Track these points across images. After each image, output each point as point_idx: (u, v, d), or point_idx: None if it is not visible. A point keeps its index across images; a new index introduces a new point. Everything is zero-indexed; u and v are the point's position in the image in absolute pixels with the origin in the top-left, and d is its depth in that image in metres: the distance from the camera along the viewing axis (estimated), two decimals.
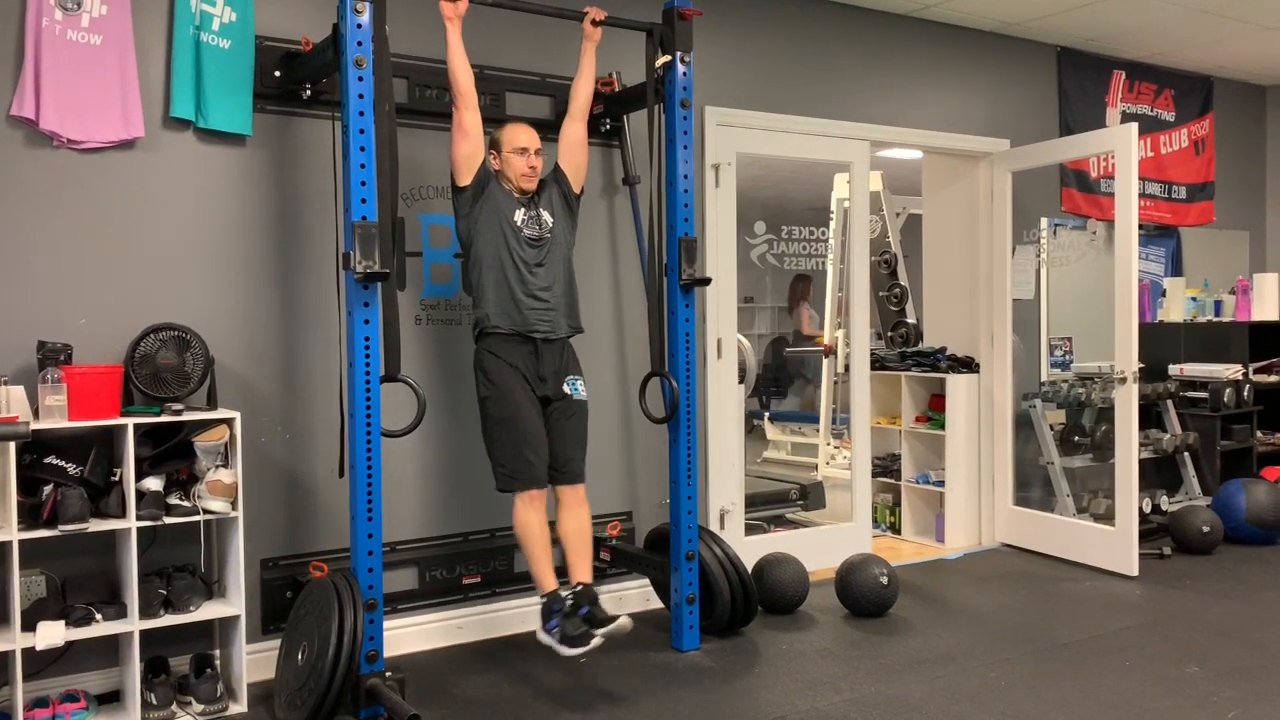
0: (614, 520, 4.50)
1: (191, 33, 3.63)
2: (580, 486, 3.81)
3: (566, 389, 3.77)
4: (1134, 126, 5.07)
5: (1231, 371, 6.07)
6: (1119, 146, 5.13)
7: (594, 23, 3.88)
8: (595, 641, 3.46)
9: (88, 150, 3.50)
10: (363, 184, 3.29)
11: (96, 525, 3.23)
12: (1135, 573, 5.00)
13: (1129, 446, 5.05)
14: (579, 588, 3.60)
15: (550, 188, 3.86)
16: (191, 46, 3.63)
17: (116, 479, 3.32)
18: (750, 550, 4.63)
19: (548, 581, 3.62)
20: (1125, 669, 3.76)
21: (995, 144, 5.77)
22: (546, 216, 3.78)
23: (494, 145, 3.76)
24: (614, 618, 3.51)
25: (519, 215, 3.72)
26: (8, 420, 3.08)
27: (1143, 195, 6.25)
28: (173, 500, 3.36)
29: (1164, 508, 5.76)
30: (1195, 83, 6.77)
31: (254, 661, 3.61)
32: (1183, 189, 6.73)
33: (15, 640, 3.11)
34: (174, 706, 3.40)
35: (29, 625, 3.18)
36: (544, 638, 3.56)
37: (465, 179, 3.67)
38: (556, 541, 3.75)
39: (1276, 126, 7.23)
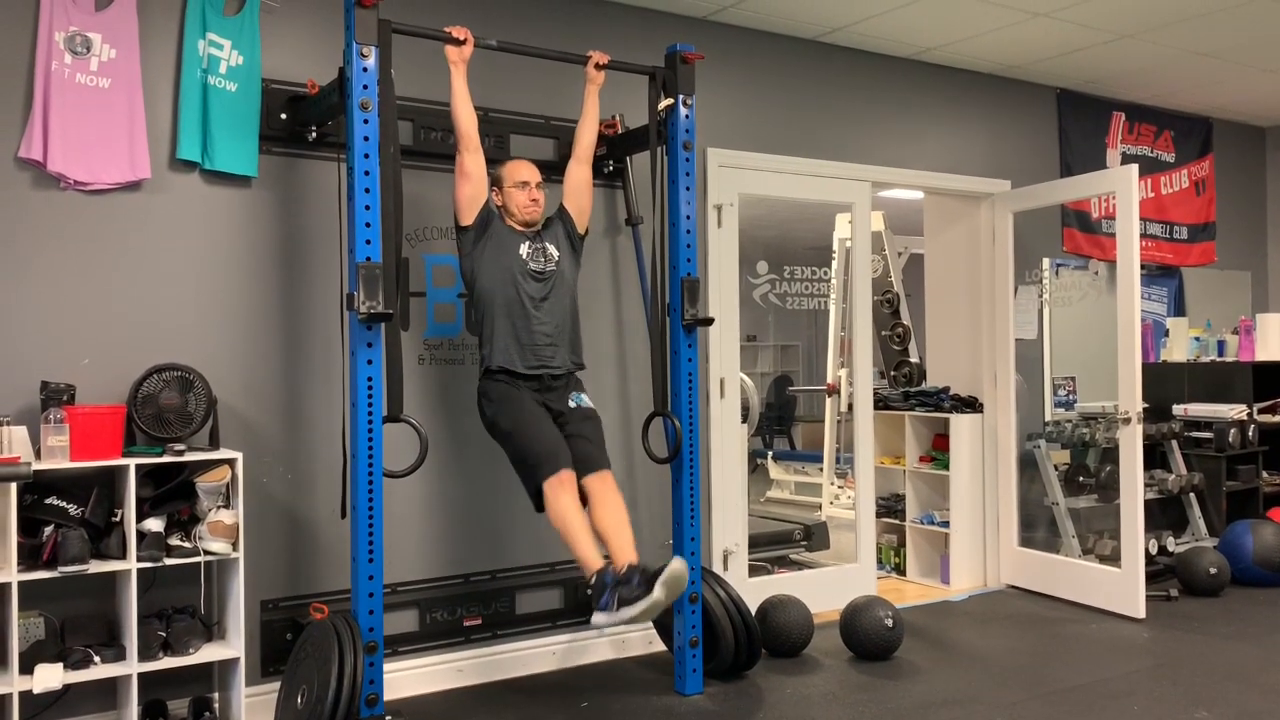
0: None
1: (199, 76, 3.67)
2: (607, 472, 3.68)
3: (571, 403, 3.77)
4: (1134, 168, 5.10)
5: (1236, 412, 6.05)
6: (1120, 187, 5.15)
7: (597, 66, 3.91)
8: (656, 593, 3.24)
9: (94, 192, 3.53)
10: (367, 225, 3.30)
11: (97, 566, 3.21)
12: (1142, 615, 4.96)
13: (1134, 487, 5.03)
14: (626, 567, 3.39)
15: (555, 225, 3.88)
16: (199, 89, 3.67)
17: (117, 520, 3.31)
18: (754, 592, 4.60)
19: (592, 560, 3.43)
20: (1134, 713, 3.72)
21: (996, 185, 5.80)
22: (552, 250, 3.80)
23: (496, 182, 3.79)
24: (663, 567, 3.30)
25: (524, 249, 3.74)
26: (9, 461, 3.08)
27: (1144, 235, 6.27)
28: (173, 541, 3.34)
29: (1170, 549, 5.72)
30: (1195, 124, 6.82)
31: (253, 705, 3.58)
32: (1184, 229, 6.75)
33: (13, 683, 3.09)
34: None
35: (27, 668, 3.16)
36: (600, 618, 3.34)
37: (468, 219, 3.69)
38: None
39: (1276, 167, 7.26)
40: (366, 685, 3.25)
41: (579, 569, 4.40)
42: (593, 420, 3.80)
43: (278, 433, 3.84)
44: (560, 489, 3.50)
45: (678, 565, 3.32)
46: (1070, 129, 6.16)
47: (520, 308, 3.68)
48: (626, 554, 3.48)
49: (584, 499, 3.62)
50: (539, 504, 3.59)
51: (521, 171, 3.78)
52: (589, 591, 3.43)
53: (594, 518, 3.60)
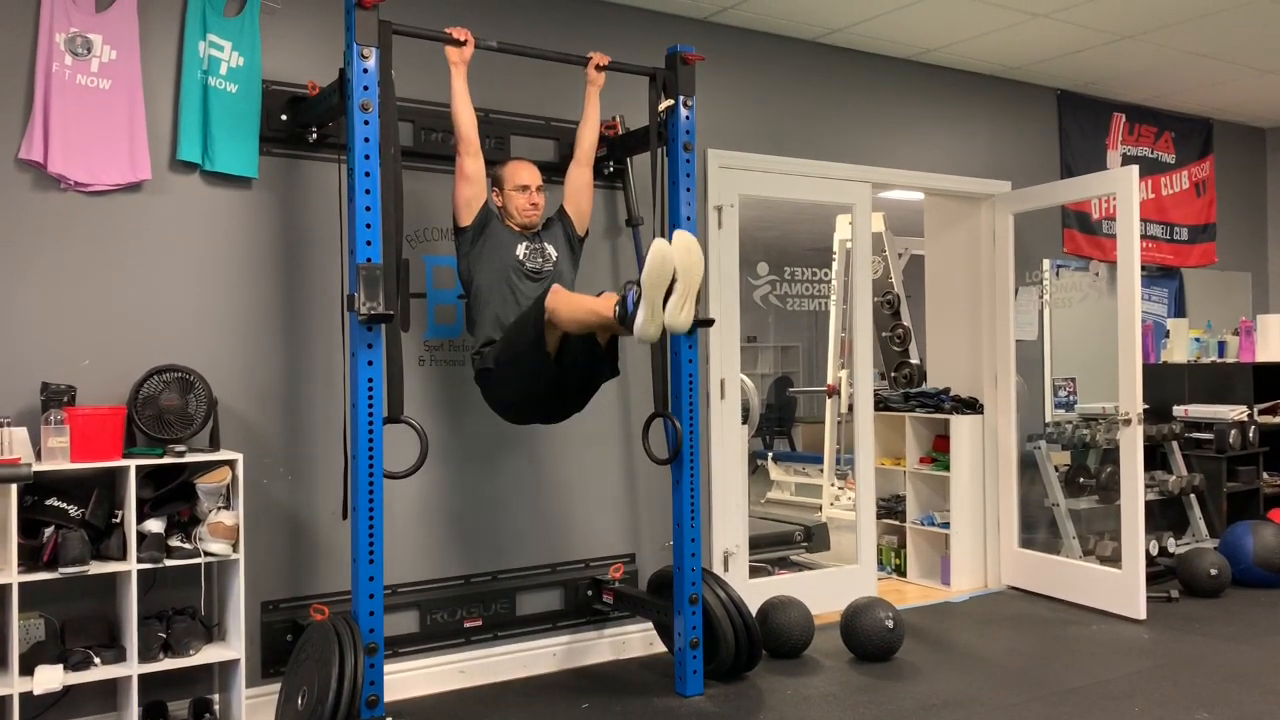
0: (617, 562, 4.48)
1: (199, 77, 3.67)
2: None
3: None
4: (1135, 169, 5.10)
5: (1236, 413, 6.05)
6: (1120, 188, 5.15)
7: (598, 68, 3.92)
8: (671, 248, 3.18)
9: (95, 193, 3.53)
10: (368, 226, 3.30)
11: (97, 567, 3.21)
12: (1143, 616, 4.96)
13: (1134, 488, 5.02)
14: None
15: (555, 226, 3.89)
16: (199, 90, 3.67)
17: (118, 521, 3.31)
18: (754, 593, 4.59)
19: (607, 303, 3.33)
20: (1134, 715, 3.72)
21: (997, 186, 5.80)
22: (550, 250, 3.81)
23: (496, 182, 3.79)
24: None
25: (521, 249, 3.74)
26: (10, 462, 3.08)
27: (1144, 237, 6.27)
28: (174, 542, 3.34)
29: (1170, 550, 5.72)
30: (1195, 125, 6.82)
31: (253, 706, 3.58)
32: (1184, 230, 6.75)
33: (13, 684, 3.09)
34: None
35: (27, 669, 3.15)
36: (639, 320, 3.22)
37: (466, 220, 3.69)
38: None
39: (1276, 169, 7.26)
40: (367, 686, 3.25)
41: (577, 572, 4.42)
42: None
43: (278, 434, 3.83)
44: (555, 293, 3.39)
45: (680, 232, 3.25)
46: (1071, 130, 6.16)
47: (515, 306, 3.68)
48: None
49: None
50: (546, 353, 3.45)
51: (522, 175, 3.78)
52: (620, 313, 3.26)
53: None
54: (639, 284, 3.23)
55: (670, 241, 3.22)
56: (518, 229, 3.78)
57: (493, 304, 3.68)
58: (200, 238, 3.72)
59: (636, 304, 3.23)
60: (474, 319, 3.75)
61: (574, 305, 3.40)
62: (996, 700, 3.90)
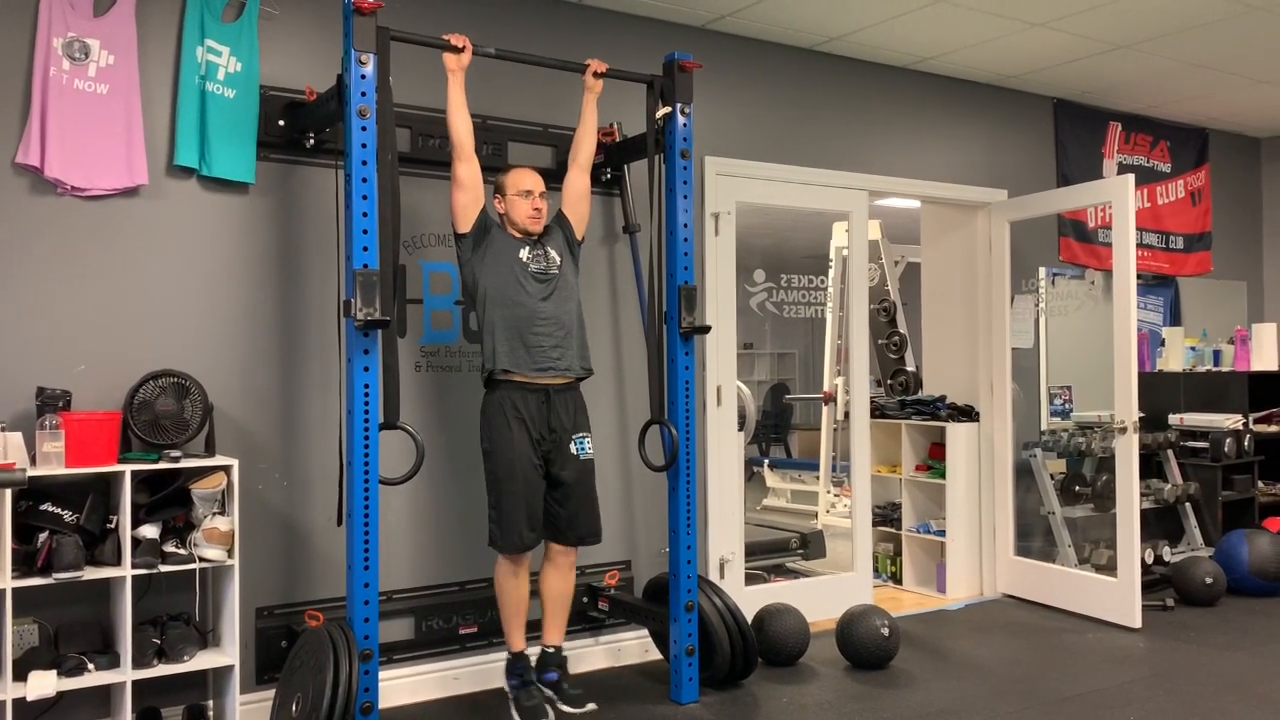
0: (612, 569, 4.47)
1: (197, 82, 3.67)
2: (575, 551, 3.85)
3: (574, 449, 3.76)
4: (1130, 177, 5.11)
5: (1232, 421, 6.06)
6: (1116, 197, 5.17)
7: (595, 75, 3.92)
8: None
9: (91, 198, 3.52)
10: (364, 232, 3.30)
11: (91, 573, 3.20)
12: (1138, 624, 4.96)
13: (1130, 496, 5.03)
14: (550, 650, 3.82)
15: (555, 231, 3.88)
16: (197, 95, 3.67)
17: (112, 526, 3.30)
18: (750, 600, 4.59)
19: (517, 641, 3.79)
20: None
21: (993, 194, 5.82)
22: (554, 254, 3.80)
23: (498, 189, 3.79)
24: (576, 697, 3.68)
25: (524, 253, 3.73)
26: (4, 467, 3.07)
27: (1140, 245, 6.29)
28: (169, 548, 3.33)
29: (1166, 559, 5.73)
30: (1191, 134, 6.84)
31: (248, 712, 3.57)
32: (1180, 239, 6.77)
33: (6, 690, 3.08)
34: None
35: (20, 675, 3.15)
36: (507, 688, 3.80)
37: (464, 227, 3.69)
38: (535, 593, 3.85)
39: (1271, 178, 7.29)
40: (361, 693, 3.24)
41: (581, 577, 4.42)
42: (587, 477, 3.83)
43: (274, 440, 3.83)
44: (512, 571, 3.72)
45: (590, 709, 3.69)
46: (1067, 139, 6.18)
47: (524, 309, 3.67)
48: (554, 635, 3.84)
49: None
50: (490, 543, 3.72)
51: (525, 180, 3.77)
52: (506, 661, 3.84)
53: (544, 582, 3.87)
54: (518, 693, 3.72)
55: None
56: (519, 235, 3.77)
57: (501, 307, 3.66)
58: (197, 243, 3.72)
59: (511, 690, 3.76)
60: (481, 325, 3.73)
61: (502, 603, 3.77)
62: (992, 709, 3.90)
